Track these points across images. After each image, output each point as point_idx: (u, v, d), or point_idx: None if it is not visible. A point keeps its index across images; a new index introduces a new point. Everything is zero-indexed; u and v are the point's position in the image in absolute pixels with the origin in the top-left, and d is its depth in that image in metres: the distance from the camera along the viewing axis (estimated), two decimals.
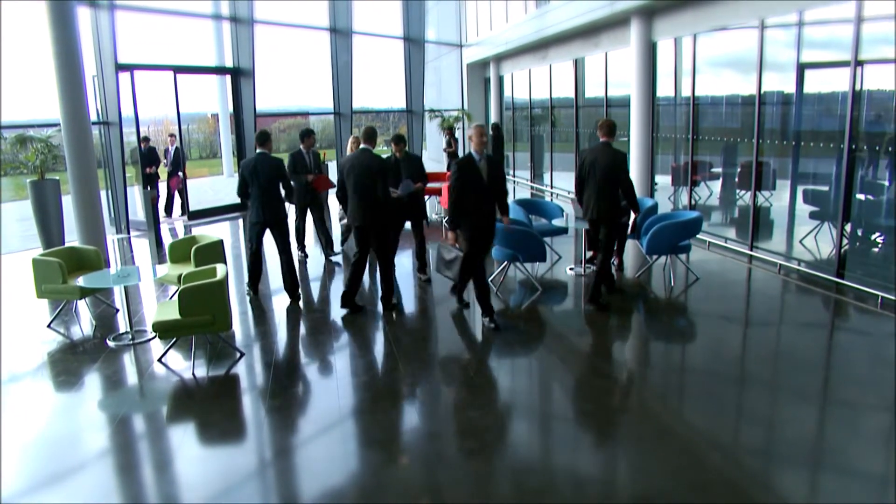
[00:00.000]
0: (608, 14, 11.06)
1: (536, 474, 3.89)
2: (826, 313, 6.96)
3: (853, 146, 7.12)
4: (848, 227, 7.39)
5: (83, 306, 7.19)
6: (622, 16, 10.98)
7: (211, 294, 5.35)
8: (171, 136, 13.80)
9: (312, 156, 9.17)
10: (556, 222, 8.51)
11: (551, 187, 16.01)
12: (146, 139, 13.24)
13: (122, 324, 6.71)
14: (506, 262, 7.72)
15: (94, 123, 10.54)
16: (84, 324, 6.87)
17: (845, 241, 7.44)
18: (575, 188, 7.02)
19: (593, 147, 6.83)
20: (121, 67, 11.49)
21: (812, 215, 8.14)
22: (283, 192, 7.39)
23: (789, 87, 8.25)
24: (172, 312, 5.45)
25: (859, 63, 6.99)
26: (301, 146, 9.08)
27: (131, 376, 5.57)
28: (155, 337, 6.19)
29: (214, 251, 6.92)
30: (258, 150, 7.24)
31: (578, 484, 3.82)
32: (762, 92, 8.53)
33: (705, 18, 9.46)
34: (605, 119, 7.14)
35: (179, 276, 6.18)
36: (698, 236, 9.09)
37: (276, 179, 7.19)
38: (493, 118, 19.68)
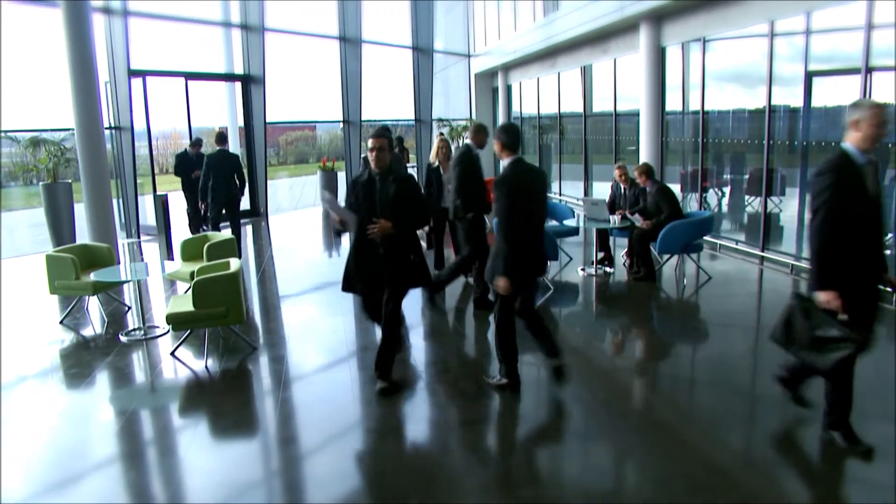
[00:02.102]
0: (617, 20, 11.10)
1: (540, 473, 3.86)
2: None
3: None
4: None
5: (94, 305, 7.21)
6: (631, 21, 11.02)
7: (225, 286, 5.35)
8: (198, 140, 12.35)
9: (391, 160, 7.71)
10: (567, 223, 8.51)
11: (559, 194, 16.01)
12: (198, 142, 11.91)
13: (134, 321, 6.71)
14: None
15: (105, 129, 10.64)
16: (95, 321, 6.88)
17: None
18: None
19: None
20: (133, 73, 11.60)
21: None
22: (238, 181, 9.34)
23: (797, 101, 8.32)
24: (186, 305, 5.46)
25: (870, 70, 6.99)
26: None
27: (144, 370, 5.57)
28: (167, 332, 6.21)
29: (227, 248, 6.93)
30: (218, 148, 9.20)
31: (581, 484, 3.79)
32: (771, 100, 8.56)
33: (715, 22, 9.49)
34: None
35: (192, 273, 6.19)
36: (710, 239, 9.10)
37: (232, 171, 9.23)
38: None
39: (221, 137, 9.28)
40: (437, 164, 7.50)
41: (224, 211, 9.37)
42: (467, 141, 6.66)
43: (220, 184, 9.14)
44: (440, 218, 7.64)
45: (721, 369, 5.21)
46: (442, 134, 7.66)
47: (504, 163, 4.50)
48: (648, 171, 7.80)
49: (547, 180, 5.09)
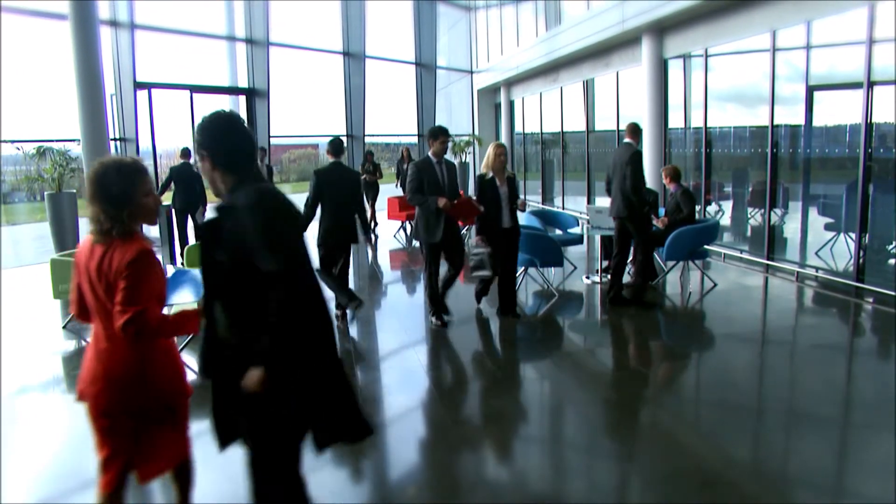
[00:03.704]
0: (619, 33, 11.20)
1: (541, 483, 3.82)
2: (850, 312, 6.90)
3: (869, 152, 7.16)
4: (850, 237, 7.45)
5: None
6: (633, 34, 11.10)
7: None
8: (262, 149, 12.68)
9: (447, 168, 6.12)
10: (572, 231, 8.52)
11: (563, 208, 16.03)
12: (262, 149, 11.92)
13: None
14: (522, 268, 7.68)
15: (111, 140, 10.71)
16: None
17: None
18: None
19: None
20: (139, 86, 11.69)
21: (827, 227, 8.15)
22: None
23: (798, 119, 8.43)
24: (191, 306, 5.43)
25: (872, 84, 7.03)
26: (429, 152, 6.14)
27: None
28: None
29: None
30: (181, 161, 10.33)
31: (584, 483, 3.74)
32: (774, 114, 8.62)
33: (716, 33, 9.57)
34: None
35: None
36: (715, 249, 9.08)
37: (193, 182, 10.19)
38: (503, 143, 19.82)
39: (185, 151, 10.37)
40: (490, 174, 6.28)
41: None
42: (627, 140, 6.77)
43: (182, 193, 10.48)
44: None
45: (726, 374, 5.17)
46: (499, 142, 6.70)
47: (327, 161, 6.32)
48: (676, 174, 7.82)
49: (358, 178, 6.64)
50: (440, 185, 5.99)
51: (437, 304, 6.33)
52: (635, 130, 6.85)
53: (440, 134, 6.07)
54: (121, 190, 2.44)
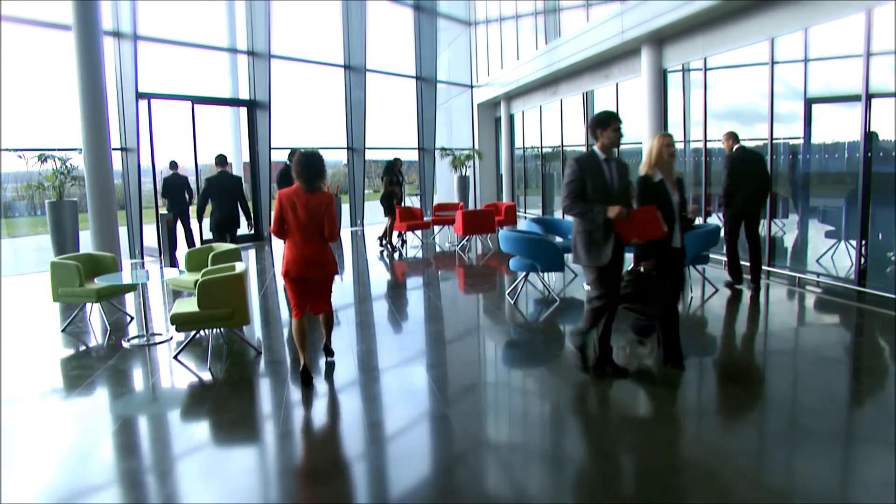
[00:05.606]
0: (619, 43, 11.28)
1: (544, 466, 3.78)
2: (853, 315, 6.87)
3: (869, 155, 7.18)
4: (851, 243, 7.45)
5: (97, 315, 7.16)
6: (633, 45, 11.18)
7: (230, 287, 5.31)
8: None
9: (617, 167, 4.63)
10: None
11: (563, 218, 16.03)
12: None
13: (137, 330, 6.66)
14: (523, 273, 7.68)
15: (113, 149, 10.74)
16: (97, 331, 6.82)
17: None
18: None
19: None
20: (141, 96, 11.74)
21: (828, 234, 8.15)
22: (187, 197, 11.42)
23: (797, 136, 8.50)
24: (191, 307, 5.41)
25: (870, 97, 7.07)
26: (596, 144, 4.65)
27: (148, 375, 5.50)
28: (170, 339, 6.16)
29: (232, 257, 6.91)
30: (171, 172, 11.30)
31: (586, 478, 3.70)
32: (773, 124, 8.67)
33: (716, 42, 9.63)
34: None
35: (195, 282, 6.14)
36: (718, 256, 9.06)
37: (182, 189, 11.27)
38: (503, 157, 19.90)
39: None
40: (658, 176, 4.79)
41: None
42: (738, 145, 7.73)
43: (171, 198, 11.06)
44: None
45: (731, 375, 5.14)
46: (663, 132, 5.30)
47: (216, 171, 8.62)
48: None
49: (238, 182, 8.84)
50: (608, 189, 4.51)
51: (606, 349, 4.88)
52: (733, 136, 7.79)
53: (612, 120, 4.53)
54: (321, 166, 4.71)
